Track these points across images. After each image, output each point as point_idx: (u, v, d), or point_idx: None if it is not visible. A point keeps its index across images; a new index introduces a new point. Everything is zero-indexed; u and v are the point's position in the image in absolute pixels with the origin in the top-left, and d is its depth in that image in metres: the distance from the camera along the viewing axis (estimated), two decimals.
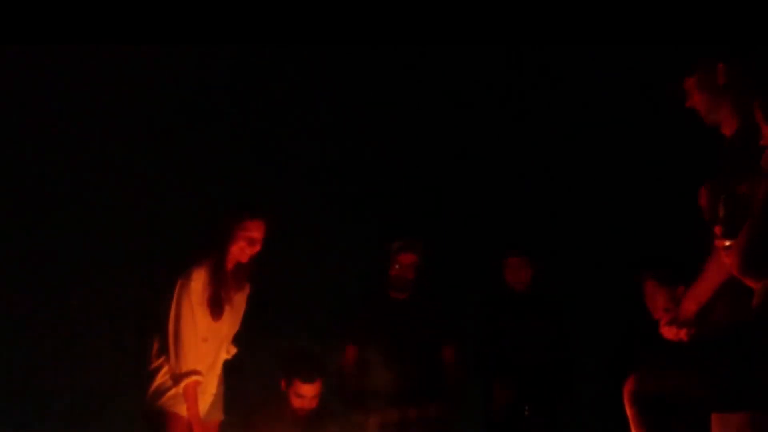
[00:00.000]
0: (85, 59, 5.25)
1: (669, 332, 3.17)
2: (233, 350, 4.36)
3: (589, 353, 5.13)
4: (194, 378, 4.07)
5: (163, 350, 4.15)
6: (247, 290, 4.37)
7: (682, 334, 3.13)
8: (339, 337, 5.06)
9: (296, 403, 4.59)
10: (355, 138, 5.86)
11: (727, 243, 2.82)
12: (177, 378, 4.07)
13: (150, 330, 4.24)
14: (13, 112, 5.26)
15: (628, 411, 3.04)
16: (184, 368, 4.06)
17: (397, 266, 4.97)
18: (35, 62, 5.26)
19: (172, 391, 4.11)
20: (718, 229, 2.86)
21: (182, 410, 4.10)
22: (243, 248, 4.20)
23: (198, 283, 4.13)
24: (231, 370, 4.37)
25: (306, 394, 4.58)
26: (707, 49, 3.40)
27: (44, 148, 5.34)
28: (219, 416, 4.33)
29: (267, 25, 5.37)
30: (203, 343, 4.15)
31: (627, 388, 3.06)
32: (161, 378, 4.15)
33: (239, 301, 4.34)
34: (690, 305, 3.11)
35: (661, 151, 5.31)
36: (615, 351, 4.83)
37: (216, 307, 4.16)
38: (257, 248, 4.24)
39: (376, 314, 5.02)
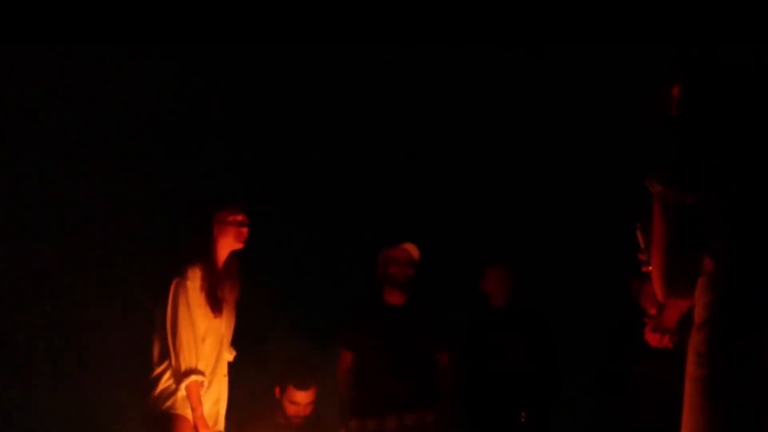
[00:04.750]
0: (81, 60, 5.27)
1: (653, 339, 3.16)
2: (233, 352, 4.34)
3: (578, 358, 5.12)
4: (194, 378, 4.01)
5: (165, 354, 4.10)
6: (237, 289, 4.36)
7: (666, 341, 3.12)
8: (334, 343, 5.04)
9: (290, 410, 4.59)
10: (354, 142, 5.86)
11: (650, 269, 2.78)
12: (178, 378, 4.02)
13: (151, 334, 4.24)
14: (11, 111, 5.28)
15: None
16: (184, 367, 4.01)
17: (395, 266, 4.95)
18: (34, 62, 5.28)
19: (177, 395, 4.06)
20: (641, 256, 2.83)
21: (188, 413, 4.05)
22: (237, 234, 4.20)
23: (194, 281, 4.10)
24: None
25: (300, 401, 4.58)
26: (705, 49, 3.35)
27: (39, 149, 5.35)
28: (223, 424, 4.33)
29: (257, 26, 5.38)
30: (202, 343, 4.12)
31: None
32: (165, 382, 4.10)
33: (232, 300, 4.33)
34: (672, 313, 3.10)
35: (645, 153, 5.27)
36: (605, 356, 4.85)
37: (215, 303, 4.14)
38: (247, 231, 4.22)
39: (371, 320, 5.00)
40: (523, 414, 4.74)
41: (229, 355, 4.31)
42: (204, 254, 4.16)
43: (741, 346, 2.51)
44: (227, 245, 4.21)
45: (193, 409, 4.03)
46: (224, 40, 5.42)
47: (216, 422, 4.20)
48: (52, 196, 5.39)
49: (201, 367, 4.06)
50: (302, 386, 4.58)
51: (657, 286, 2.69)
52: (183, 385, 4.01)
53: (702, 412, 2.58)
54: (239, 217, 4.20)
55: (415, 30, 5.55)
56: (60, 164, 5.39)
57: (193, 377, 4.02)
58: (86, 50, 5.28)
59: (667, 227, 2.63)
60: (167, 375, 4.10)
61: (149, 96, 5.42)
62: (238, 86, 5.66)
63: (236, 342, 4.35)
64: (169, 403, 4.07)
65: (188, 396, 4.02)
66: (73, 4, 5.18)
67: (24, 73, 5.30)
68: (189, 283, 4.10)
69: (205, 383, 4.10)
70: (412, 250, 4.97)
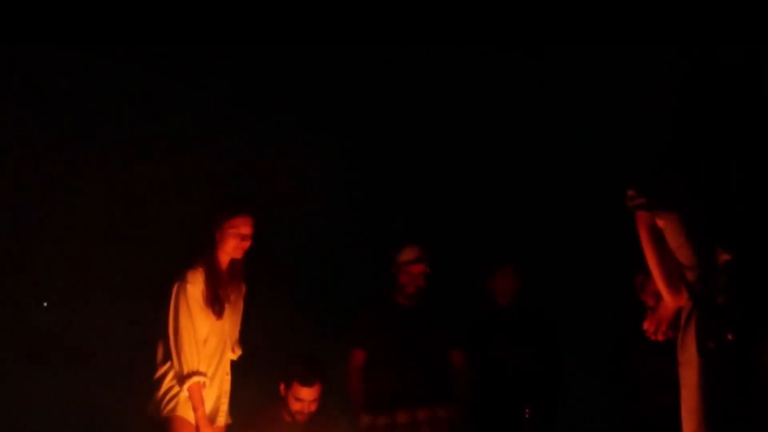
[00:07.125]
0: (78, 59, 5.28)
1: (650, 327, 3.19)
2: (239, 351, 4.38)
3: (584, 357, 5.16)
4: (196, 379, 4.10)
5: (168, 356, 4.18)
6: (243, 290, 4.40)
7: (660, 334, 3.14)
8: (345, 341, 5.09)
9: (295, 406, 4.60)
10: (360, 141, 5.89)
11: None
12: (181, 380, 4.10)
13: (154, 336, 4.26)
14: (9, 111, 5.29)
15: None
16: (186, 370, 4.09)
17: (407, 276, 5.01)
18: (34, 62, 5.29)
19: (179, 396, 4.14)
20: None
21: (189, 415, 4.13)
22: (236, 246, 4.23)
23: (194, 285, 4.17)
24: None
25: (305, 397, 4.59)
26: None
27: (37, 150, 5.35)
28: (227, 420, 4.36)
29: (263, 25, 5.40)
30: (204, 345, 4.17)
31: None
32: (168, 384, 4.18)
33: (237, 300, 4.37)
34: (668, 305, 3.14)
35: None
36: (613, 355, 4.89)
37: (216, 306, 4.19)
38: (249, 243, 4.27)
39: (383, 319, 5.06)
40: (527, 410, 4.78)
41: (233, 355, 4.34)
42: (206, 258, 4.20)
43: (699, 355, 2.57)
44: (228, 253, 4.25)
45: (195, 410, 4.10)
46: (225, 40, 5.43)
47: (216, 419, 4.23)
48: (52, 195, 5.39)
49: (202, 368, 4.12)
50: (307, 383, 4.59)
51: (662, 293, 2.75)
52: (185, 387, 4.06)
53: (683, 413, 2.64)
54: (242, 230, 4.24)
55: (415, 30, 5.57)
56: (61, 164, 5.39)
57: (195, 378, 4.09)
58: (86, 50, 5.29)
59: (645, 238, 2.70)
60: (170, 376, 4.17)
61: (150, 96, 5.43)
62: (239, 86, 5.68)
63: (241, 340, 4.39)
64: (171, 405, 4.15)
65: (190, 397, 4.10)
66: (73, 4, 5.19)
67: (24, 72, 5.31)
68: (189, 287, 4.15)
69: (207, 383, 4.14)
70: (426, 266, 5.03)
